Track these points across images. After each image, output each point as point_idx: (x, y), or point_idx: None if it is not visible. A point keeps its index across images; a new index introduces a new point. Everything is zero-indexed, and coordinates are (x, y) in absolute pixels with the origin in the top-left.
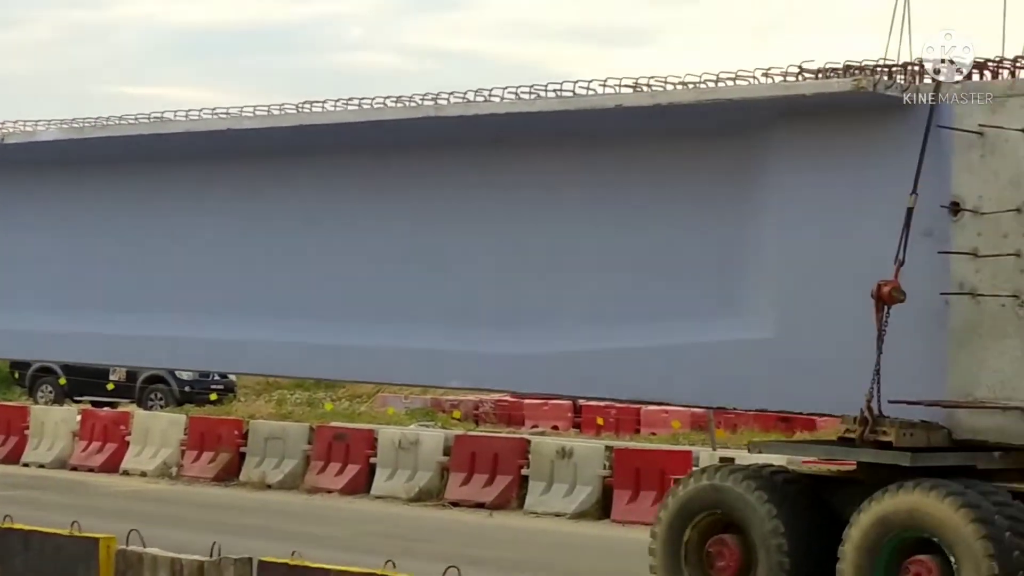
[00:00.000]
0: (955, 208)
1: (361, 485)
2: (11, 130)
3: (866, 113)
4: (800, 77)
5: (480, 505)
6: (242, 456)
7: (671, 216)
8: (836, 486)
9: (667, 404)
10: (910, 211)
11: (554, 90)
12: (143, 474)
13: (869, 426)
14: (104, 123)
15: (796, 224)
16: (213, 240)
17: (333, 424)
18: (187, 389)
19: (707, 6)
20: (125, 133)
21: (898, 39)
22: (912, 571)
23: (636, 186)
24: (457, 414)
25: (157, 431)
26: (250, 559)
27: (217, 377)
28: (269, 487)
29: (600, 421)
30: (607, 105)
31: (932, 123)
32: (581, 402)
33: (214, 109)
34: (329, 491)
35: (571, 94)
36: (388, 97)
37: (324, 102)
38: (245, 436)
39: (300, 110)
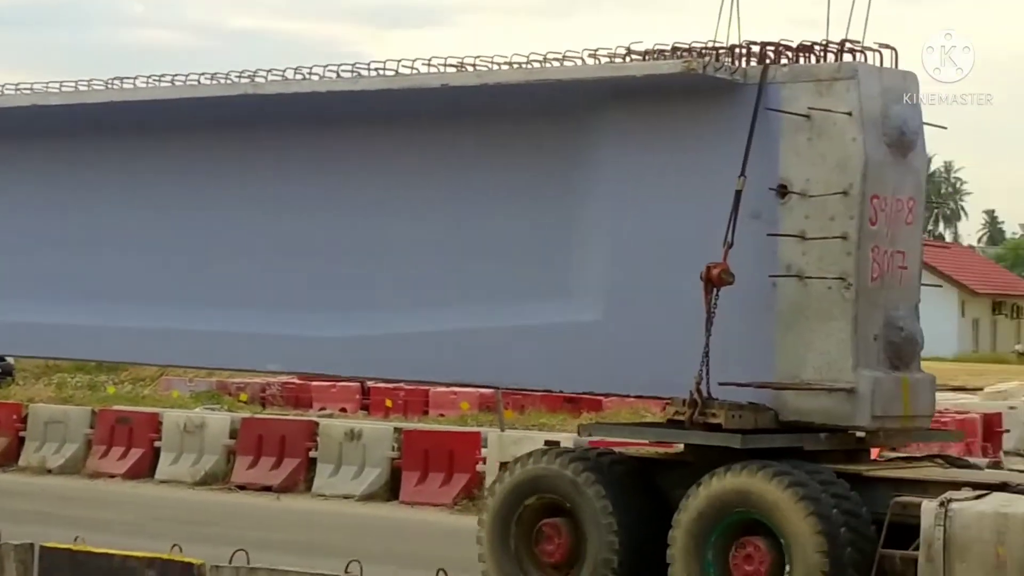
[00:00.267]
0: (783, 191)
1: (145, 469)
2: None
3: (696, 95)
4: (628, 59)
5: (267, 488)
6: (21, 440)
7: (497, 197)
8: (664, 468)
9: (494, 387)
10: (739, 194)
11: (376, 69)
12: None
13: (698, 408)
14: None
15: (625, 206)
16: (26, 221)
17: (116, 408)
18: None
19: None
20: None
21: (727, 22)
22: (742, 552)
23: (462, 167)
24: (244, 397)
25: None
26: (31, 545)
27: None
28: (50, 472)
29: (389, 403)
30: (432, 84)
31: (760, 106)
32: (370, 384)
33: (17, 85)
34: (112, 476)
35: (394, 73)
36: (203, 74)
37: (135, 78)
38: (24, 420)
39: (109, 86)
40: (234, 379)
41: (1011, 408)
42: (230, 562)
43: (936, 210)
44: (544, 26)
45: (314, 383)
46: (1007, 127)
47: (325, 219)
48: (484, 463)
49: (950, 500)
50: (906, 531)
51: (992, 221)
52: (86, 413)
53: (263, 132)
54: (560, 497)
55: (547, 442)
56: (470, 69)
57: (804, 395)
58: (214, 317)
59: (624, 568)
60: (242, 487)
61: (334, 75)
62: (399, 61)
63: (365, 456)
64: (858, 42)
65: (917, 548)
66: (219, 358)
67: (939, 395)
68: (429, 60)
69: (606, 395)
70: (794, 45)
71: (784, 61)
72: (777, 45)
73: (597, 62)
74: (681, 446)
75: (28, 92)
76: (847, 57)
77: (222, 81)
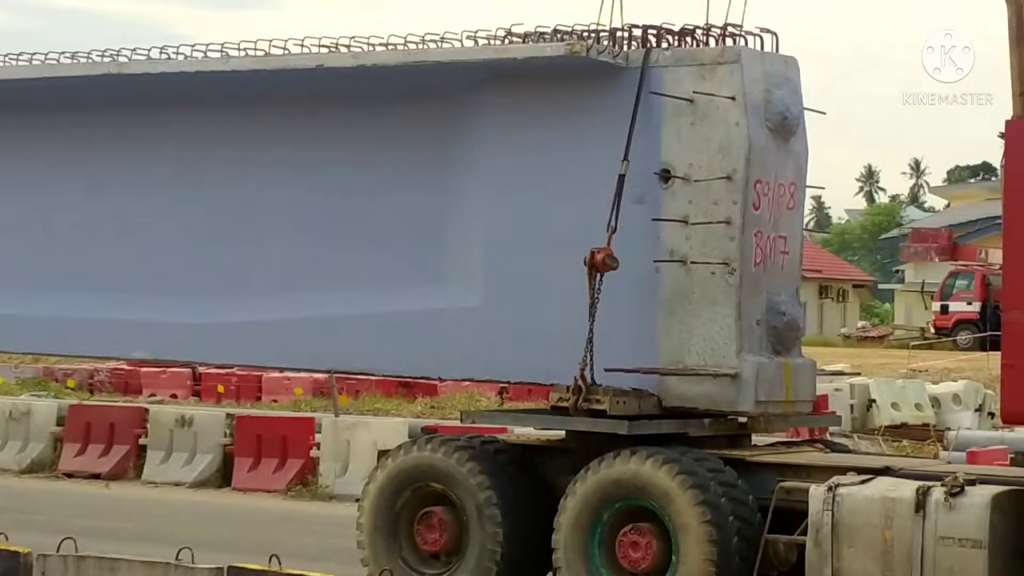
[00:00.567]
0: (665, 175)
1: None
2: None
3: (577, 78)
4: (507, 41)
5: (96, 476)
6: None
7: (374, 181)
8: (546, 456)
9: (369, 374)
10: (622, 178)
11: (246, 50)
12: None
13: (582, 395)
14: None
15: (504, 190)
16: None
17: None
18: None
19: None
20: None
21: (610, 4)
22: (628, 539)
23: (336, 150)
24: (72, 383)
25: None
26: None
27: None
28: None
29: (221, 389)
30: (306, 65)
31: (643, 90)
32: (201, 370)
33: None
34: None
35: (263, 53)
36: (63, 53)
37: None
38: None
39: None
40: (61, 365)
41: (836, 390)
42: (58, 550)
43: None
44: (374, 10)
45: (144, 369)
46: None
47: (195, 203)
48: (318, 448)
49: (838, 485)
50: (791, 516)
51: (819, 207)
52: None
53: (128, 114)
54: (442, 486)
55: (424, 429)
56: (343, 50)
57: (688, 381)
58: (77, 303)
59: (508, 557)
60: (70, 475)
61: (201, 55)
62: (270, 41)
63: (196, 442)
64: (740, 26)
65: (802, 533)
66: (82, 346)
67: None
68: (302, 41)
69: (486, 382)
70: (676, 29)
71: (666, 45)
72: (659, 28)
73: (476, 44)
74: (563, 433)
75: None
76: (729, 42)
77: (83, 61)
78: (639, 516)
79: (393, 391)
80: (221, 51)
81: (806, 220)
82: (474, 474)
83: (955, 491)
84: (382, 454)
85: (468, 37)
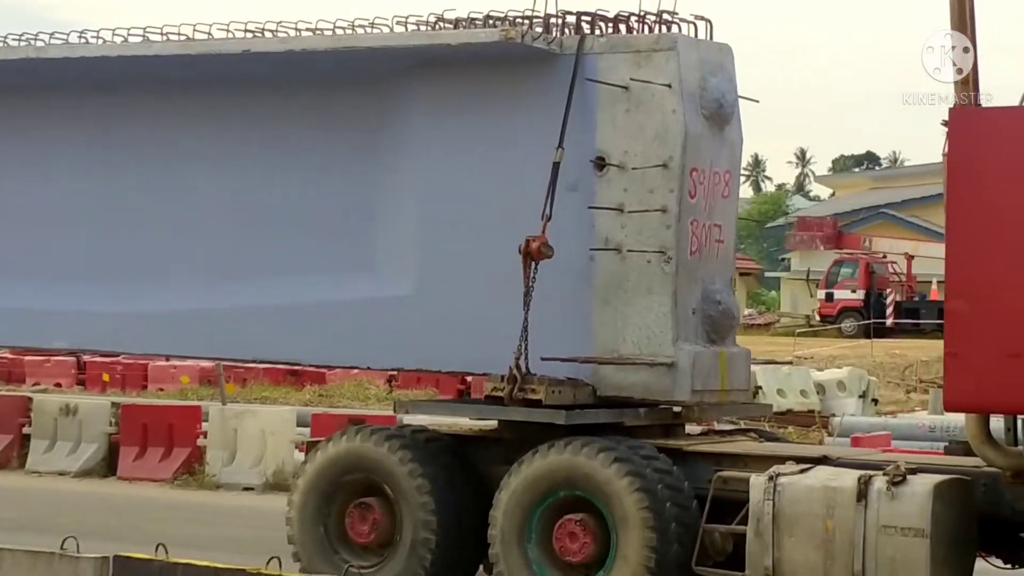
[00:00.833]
0: (600, 163)
1: None
2: None
3: (511, 65)
4: (438, 27)
5: None
6: None
7: (303, 168)
8: (479, 445)
9: (298, 364)
10: (556, 166)
11: (169, 34)
12: None
13: (518, 384)
14: None
15: (437, 178)
16: None
17: None
18: None
19: None
20: None
21: None
22: (566, 530)
23: (264, 136)
24: None
25: None
26: None
27: None
28: None
29: (106, 377)
30: (234, 50)
31: (578, 76)
32: (86, 358)
33: None
34: None
35: (185, 38)
36: None
37: None
38: None
39: None
40: None
41: None
42: None
43: None
44: None
45: (27, 357)
46: None
47: (119, 189)
48: (205, 437)
49: (779, 474)
50: (727, 505)
51: None
52: None
53: (48, 99)
54: (374, 476)
55: (352, 420)
56: (269, 35)
57: (623, 370)
58: None
59: (442, 548)
60: None
61: (121, 40)
62: (194, 26)
63: (81, 431)
64: (674, 13)
65: (740, 523)
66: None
67: None
68: (228, 25)
69: (419, 371)
70: (610, 15)
71: (600, 32)
72: (593, 15)
73: (406, 30)
74: (495, 422)
75: None
76: (663, 28)
77: None
78: (575, 507)
79: (281, 379)
80: (143, 35)
81: None
82: (405, 463)
83: (897, 480)
84: (310, 446)
85: (399, 23)
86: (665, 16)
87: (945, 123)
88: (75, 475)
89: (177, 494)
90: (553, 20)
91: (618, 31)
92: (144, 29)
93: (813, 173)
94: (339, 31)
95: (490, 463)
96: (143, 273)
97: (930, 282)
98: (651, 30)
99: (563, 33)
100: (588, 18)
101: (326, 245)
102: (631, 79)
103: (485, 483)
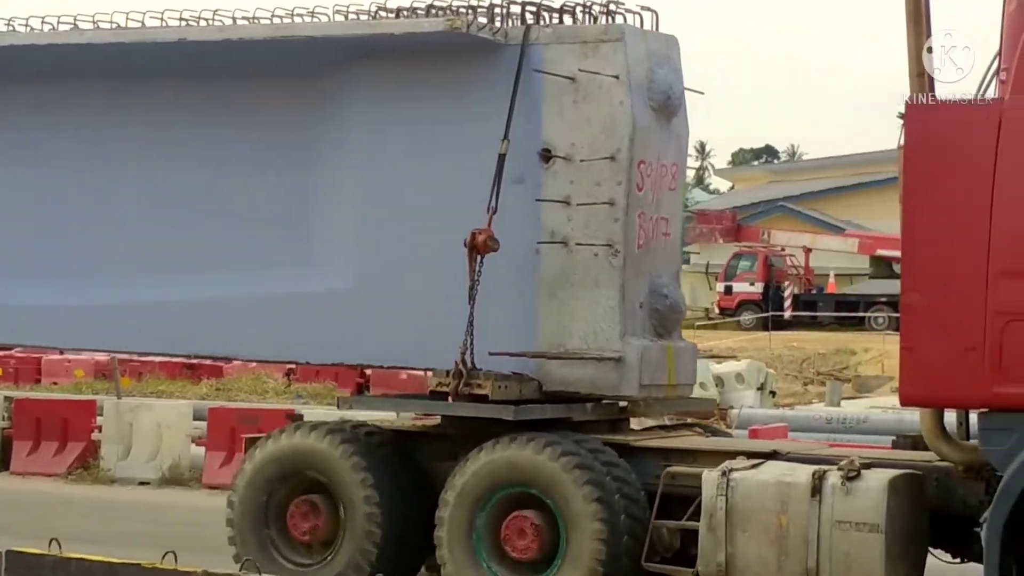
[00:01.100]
0: (547, 155)
1: None
2: None
3: (454, 55)
4: (379, 16)
5: None
6: None
7: (240, 160)
8: (422, 441)
9: (233, 359)
10: (502, 158)
11: (101, 22)
12: None
13: (463, 379)
14: None
15: (379, 170)
16: None
17: None
18: None
19: None
20: None
21: None
22: (514, 527)
23: (200, 127)
24: None
25: None
26: None
27: None
28: None
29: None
30: (169, 39)
31: (523, 67)
32: None
33: None
34: None
35: (118, 26)
36: None
37: None
38: None
39: None
40: None
41: None
42: None
43: None
44: None
45: None
46: None
47: (48, 181)
48: (100, 431)
49: (731, 470)
50: (675, 501)
51: None
52: None
53: None
54: (317, 472)
55: (291, 417)
56: (205, 24)
57: (569, 364)
58: None
59: (387, 543)
60: None
61: (50, 28)
62: (127, 14)
63: None
64: (620, 4)
65: (690, 518)
66: None
67: None
68: (162, 13)
69: (360, 366)
70: (556, 5)
71: (546, 22)
72: (538, 5)
73: (346, 19)
74: (438, 418)
75: None
76: (609, 19)
77: None
78: (524, 503)
79: (177, 373)
80: (73, 23)
81: None
82: (348, 457)
83: (852, 475)
84: (250, 443)
85: (338, 11)
86: (611, 7)
87: (901, 116)
88: None
89: (71, 489)
90: (498, 10)
91: (563, 21)
92: (75, 17)
93: (712, 166)
94: (277, 20)
95: (433, 459)
96: (75, 267)
97: (827, 275)
98: (596, 20)
99: (508, 23)
100: (533, 8)
101: (262, 238)
102: (579, 70)
103: (428, 479)
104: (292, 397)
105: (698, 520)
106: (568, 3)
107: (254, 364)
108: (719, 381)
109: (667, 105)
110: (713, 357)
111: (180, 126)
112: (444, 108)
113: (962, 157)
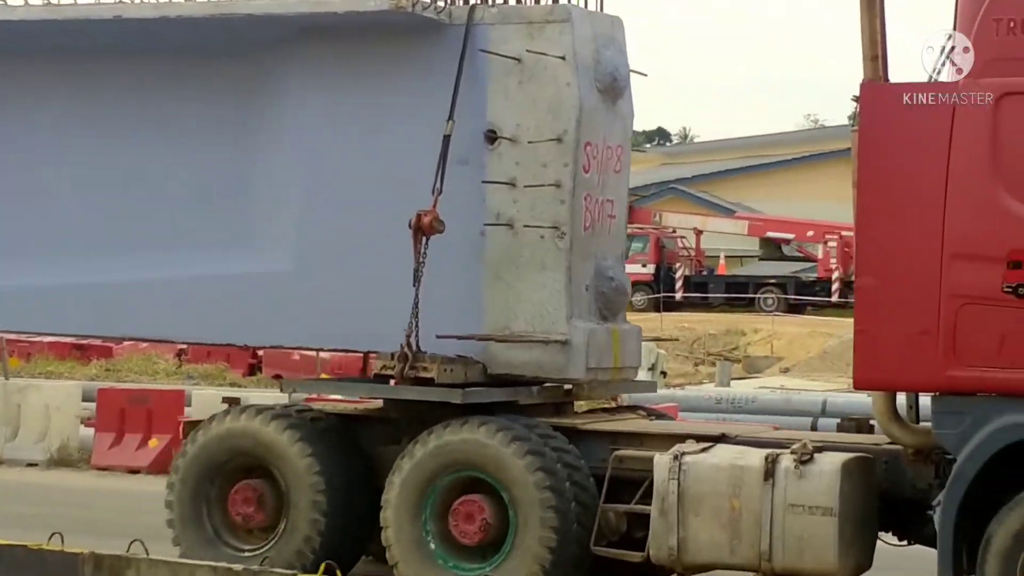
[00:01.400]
0: (492, 136)
1: None
2: None
3: (398, 35)
4: None
5: None
6: None
7: (178, 139)
8: (366, 424)
9: (170, 341)
10: (447, 139)
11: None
12: None
13: (409, 362)
14: None
15: (320, 150)
16: None
17: None
18: None
19: None
20: None
21: None
22: (463, 511)
23: (138, 106)
24: None
25: None
26: None
27: None
28: None
29: None
30: (104, 16)
31: (468, 47)
32: None
33: None
34: None
35: (51, 2)
36: None
37: None
38: None
39: None
40: None
41: None
42: None
43: None
44: None
45: None
46: None
47: None
48: None
49: (683, 453)
50: (623, 485)
51: None
52: None
53: None
54: (260, 456)
55: (226, 399)
56: (142, 0)
57: (515, 347)
58: None
59: (332, 528)
60: None
61: None
62: None
63: None
64: None
65: (639, 502)
66: None
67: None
68: None
69: (299, 348)
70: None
71: (491, 2)
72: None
73: None
74: (380, 401)
75: None
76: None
77: None
78: (471, 487)
79: (67, 354)
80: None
81: None
82: (294, 442)
83: (805, 459)
84: (190, 426)
85: None
86: None
87: (856, 98)
88: None
89: None
90: None
91: (508, 1)
92: None
93: None
94: None
95: (377, 443)
96: (4, 248)
97: (718, 256)
98: (541, 1)
99: (453, 3)
100: None
101: (202, 219)
102: (526, 51)
103: (372, 463)
104: (183, 378)
105: (647, 504)
106: None
107: (144, 345)
108: None
109: (613, 87)
110: None
111: (118, 105)
112: (388, 88)
113: (916, 140)
